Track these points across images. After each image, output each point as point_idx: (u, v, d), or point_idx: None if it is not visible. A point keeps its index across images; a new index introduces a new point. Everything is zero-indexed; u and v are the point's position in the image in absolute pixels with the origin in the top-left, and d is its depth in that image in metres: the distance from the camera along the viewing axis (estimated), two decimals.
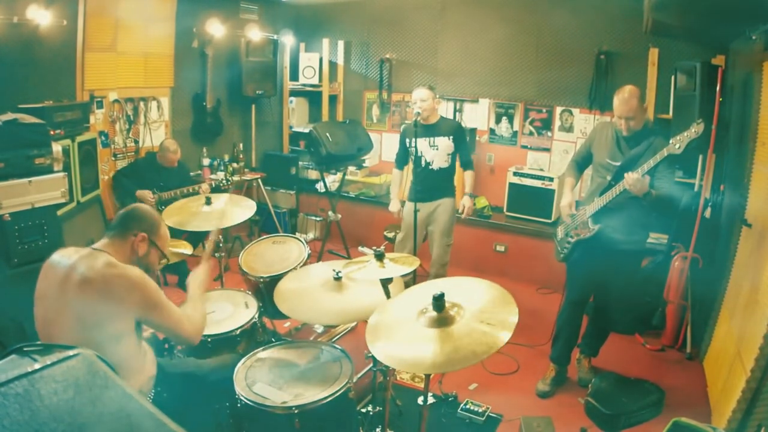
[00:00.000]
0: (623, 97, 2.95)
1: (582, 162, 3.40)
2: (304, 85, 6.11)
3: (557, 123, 5.12)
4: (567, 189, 3.34)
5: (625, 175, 2.81)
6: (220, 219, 3.15)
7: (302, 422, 1.97)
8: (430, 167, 3.86)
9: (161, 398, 1.99)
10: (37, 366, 0.98)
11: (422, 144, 3.80)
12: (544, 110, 5.15)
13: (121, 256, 1.92)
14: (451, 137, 3.82)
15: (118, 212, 2.06)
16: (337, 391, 2.04)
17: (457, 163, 3.99)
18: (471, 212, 3.98)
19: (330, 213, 5.05)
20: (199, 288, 2.28)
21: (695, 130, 2.62)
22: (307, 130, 5.62)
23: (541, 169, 5.18)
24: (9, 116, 3.11)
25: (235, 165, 5.61)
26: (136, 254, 1.98)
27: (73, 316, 1.78)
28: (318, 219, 6.02)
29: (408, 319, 1.87)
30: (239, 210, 3.27)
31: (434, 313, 1.81)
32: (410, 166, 4.00)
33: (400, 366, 1.75)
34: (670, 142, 2.70)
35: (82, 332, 1.77)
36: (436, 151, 3.84)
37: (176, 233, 3.12)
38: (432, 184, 3.87)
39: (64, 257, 1.88)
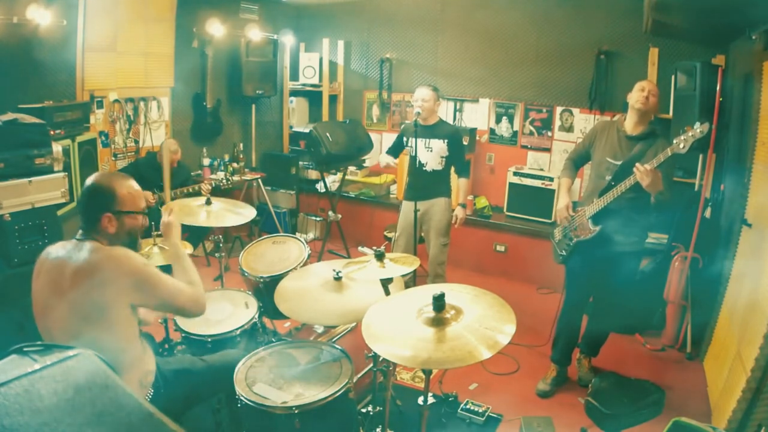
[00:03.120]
0: (649, 80, 3.06)
1: (579, 160, 3.39)
2: (304, 84, 6.12)
3: (557, 123, 5.12)
4: (564, 190, 3.33)
5: (637, 165, 2.76)
6: (218, 218, 3.14)
7: (302, 422, 1.97)
8: (424, 168, 3.87)
9: (160, 397, 1.99)
10: (37, 366, 0.98)
11: (418, 144, 3.80)
12: (544, 110, 5.15)
13: (102, 240, 1.89)
14: (446, 141, 3.81)
15: (78, 200, 1.96)
16: (337, 391, 2.04)
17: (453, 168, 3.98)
18: (462, 223, 3.97)
19: (330, 213, 5.05)
20: (176, 243, 2.17)
21: (700, 130, 2.61)
22: (307, 130, 5.62)
23: (541, 169, 5.18)
24: (9, 116, 3.11)
25: (235, 165, 5.61)
26: (110, 233, 1.90)
27: (69, 309, 1.78)
28: (318, 219, 6.01)
29: (406, 315, 1.87)
30: (238, 214, 3.23)
31: (432, 313, 1.82)
32: (405, 164, 4.01)
33: (391, 357, 1.76)
34: (674, 141, 2.69)
35: (80, 324, 1.78)
36: (430, 153, 3.84)
37: None
38: (425, 185, 3.87)
39: (52, 253, 1.89)
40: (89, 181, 1.94)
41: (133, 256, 1.87)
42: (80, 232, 1.92)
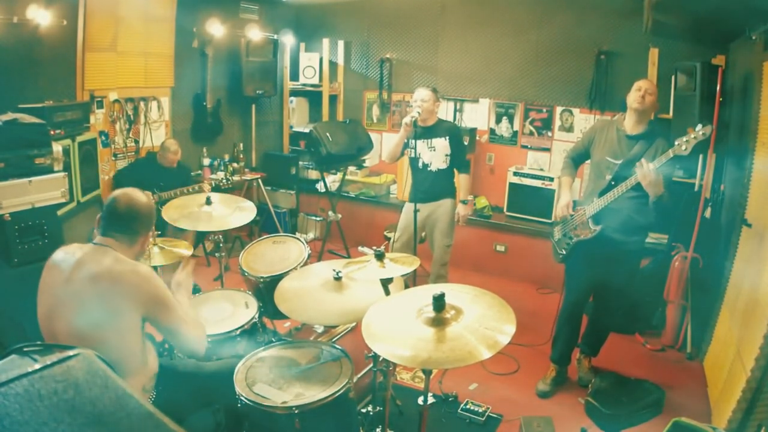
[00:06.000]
0: (646, 79, 3.06)
1: (578, 158, 3.39)
2: (304, 84, 6.11)
3: (557, 123, 5.12)
4: (565, 189, 3.33)
5: (642, 161, 2.75)
6: (219, 221, 3.14)
7: (302, 422, 1.97)
8: (429, 169, 3.86)
9: (161, 398, 1.99)
10: (37, 366, 0.98)
11: (420, 146, 3.79)
12: (544, 110, 5.15)
13: (126, 253, 1.93)
14: (447, 138, 3.81)
15: (114, 208, 1.96)
16: (337, 391, 2.04)
17: None
18: (466, 220, 3.97)
19: (330, 213, 5.05)
20: (185, 302, 2.19)
21: (702, 132, 2.60)
22: (307, 130, 5.62)
23: (542, 169, 5.18)
24: (9, 116, 3.11)
25: (235, 165, 5.61)
26: (145, 248, 2.05)
27: (79, 312, 1.78)
28: (318, 219, 6.01)
29: (406, 315, 1.88)
30: (239, 214, 3.24)
31: (432, 313, 1.82)
32: (402, 166, 3.96)
33: (391, 355, 1.76)
34: (676, 143, 2.69)
35: (88, 328, 1.78)
36: (434, 153, 3.84)
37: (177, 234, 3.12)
38: (432, 186, 3.86)
39: (68, 254, 1.89)
40: (143, 197, 2.02)
41: (157, 278, 1.92)
42: (103, 238, 1.93)
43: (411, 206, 3.85)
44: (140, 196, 2.02)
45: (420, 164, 3.83)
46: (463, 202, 3.95)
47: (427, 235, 4.05)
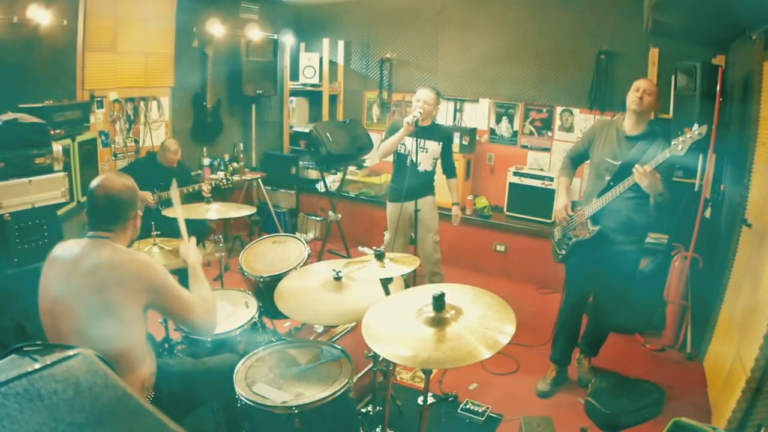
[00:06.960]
0: (647, 78, 3.07)
1: (577, 158, 3.39)
2: (304, 84, 6.12)
3: (557, 123, 5.12)
4: (562, 190, 3.33)
5: (636, 166, 2.77)
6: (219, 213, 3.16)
7: (302, 422, 1.97)
8: (417, 168, 3.86)
9: (161, 397, 1.99)
10: (37, 366, 0.98)
11: (412, 144, 3.79)
12: (544, 110, 5.15)
13: (121, 239, 1.95)
14: (441, 144, 3.87)
15: (94, 203, 1.92)
16: (337, 391, 2.04)
17: (438, 169, 4.01)
18: (459, 220, 4.09)
19: (330, 213, 5.05)
20: (196, 265, 2.22)
21: (698, 132, 2.61)
22: (307, 130, 5.62)
23: (542, 169, 5.18)
24: (9, 116, 3.11)
25: (235, 165, 5.61)
26: (136, 230, 2.02)
27: (82, 306, 1.79)
28: (318, 219, 6.02)
29: (406, 315, 1.88)
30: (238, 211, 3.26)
31: (432, 312, 1.82)
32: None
33: (390, 355, 1.76)
34: (672, 143, 2.69)
35: (91, 321, 1.78)
36: (425, 154, 3.86)
37: (177, 233, 3.12)
38: (416, 184, 3.84)
39: (66, 250, 1.90)
40: (118, 181, 1.97)
41: (155, 263, 1.92)
42: (96, 232, 1.92)
43: (396, 206, 3.88)
44: (115, 182, 1.96)
45: (408, 161, 3.82)
46: (455, 204, 4.03)
47: (412, 233, 4.04)
